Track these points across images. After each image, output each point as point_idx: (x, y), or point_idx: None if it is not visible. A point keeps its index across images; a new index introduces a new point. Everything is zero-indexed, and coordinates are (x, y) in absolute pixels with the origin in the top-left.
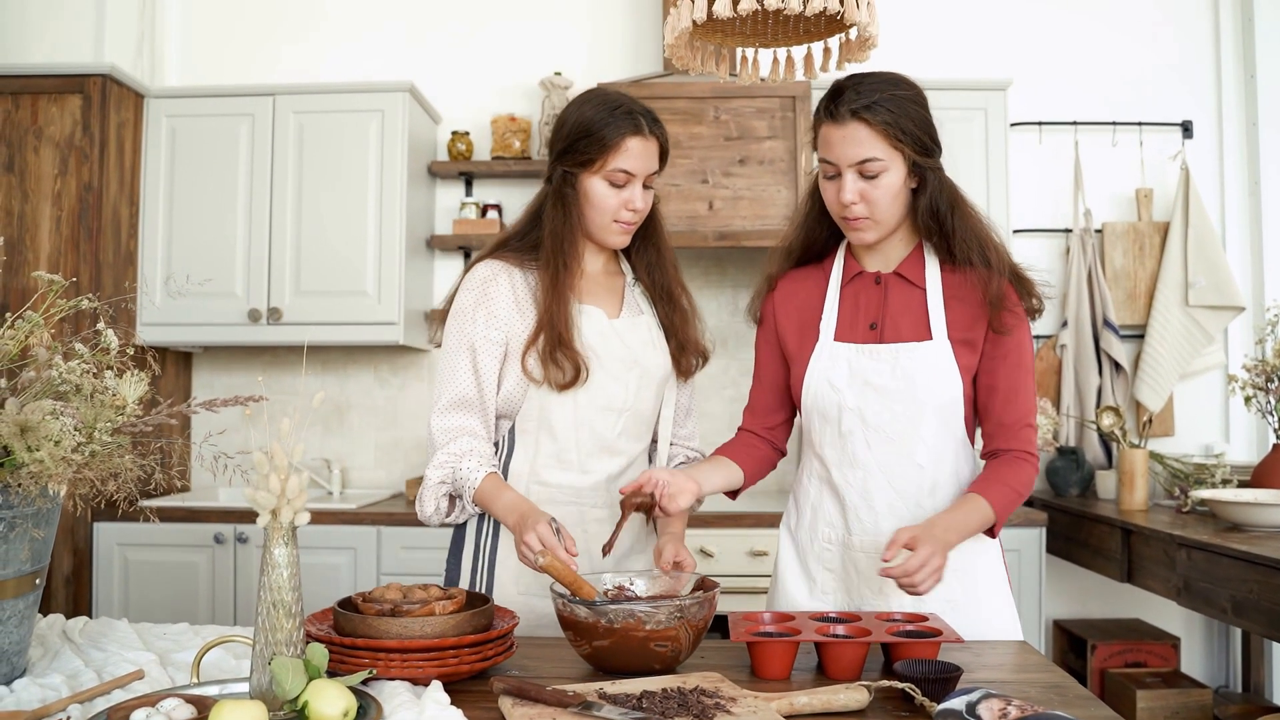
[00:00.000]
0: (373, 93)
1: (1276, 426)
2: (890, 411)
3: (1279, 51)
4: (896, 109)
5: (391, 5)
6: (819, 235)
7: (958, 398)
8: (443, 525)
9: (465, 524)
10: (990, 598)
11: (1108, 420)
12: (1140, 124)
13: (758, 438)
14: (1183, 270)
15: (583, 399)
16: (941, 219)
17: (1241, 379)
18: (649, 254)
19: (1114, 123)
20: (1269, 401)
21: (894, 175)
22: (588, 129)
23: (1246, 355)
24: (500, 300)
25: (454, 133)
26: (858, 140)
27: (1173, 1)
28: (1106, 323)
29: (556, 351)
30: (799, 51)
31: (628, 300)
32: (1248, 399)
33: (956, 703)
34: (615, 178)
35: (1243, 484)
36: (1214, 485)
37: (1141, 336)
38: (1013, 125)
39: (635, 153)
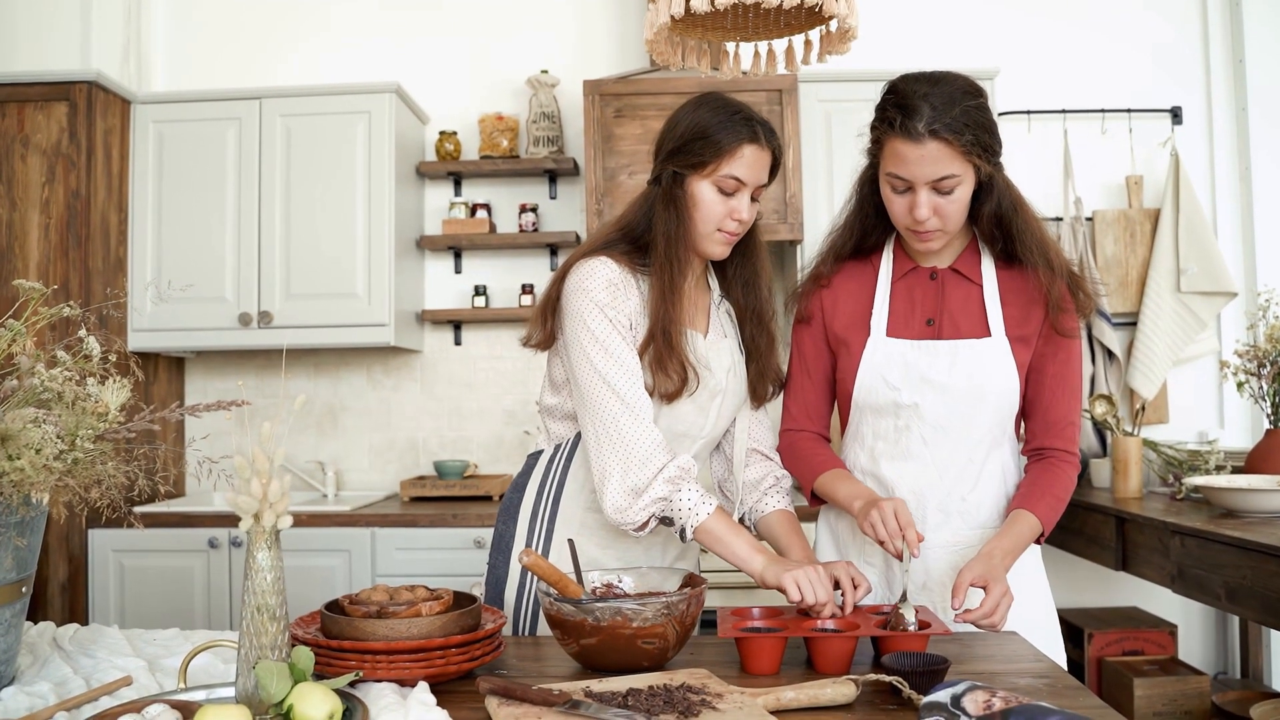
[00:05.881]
0: (359, 94)
1: (1270, 412)
2: (948, 407)
3: (1267, 36)
4: (971, 123)
5: (377, 7)
6: (871, 234)
7: (1014, 394)
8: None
9: (515, 527)
10: (1031, 594)
11: (1101, 408)
12: (1129, 111)
13: (824, 440)
14: (1174, 257)
15: (661, 423)
16: (1006, 223)
17: (1233, 365)
18: (746, 271)
19: (1103, 110)
20: (1261, 387)
21: (966, 187)
22: (704, 131)
23: (1238, 341)
24: (632, 301)
25: (441, 133)
26: (935, 159)
27: None
28: (1099, 310)
29: (666, 358)
30: (780, 44)
31: (714, 320)
32: (1240, 385)
33: (941, 695)
34: (725, 184)
35: (1237, 470)
36: (1208, 472)
37: (1134, 324)
38: (1001, 114)
39: (749, 161)
